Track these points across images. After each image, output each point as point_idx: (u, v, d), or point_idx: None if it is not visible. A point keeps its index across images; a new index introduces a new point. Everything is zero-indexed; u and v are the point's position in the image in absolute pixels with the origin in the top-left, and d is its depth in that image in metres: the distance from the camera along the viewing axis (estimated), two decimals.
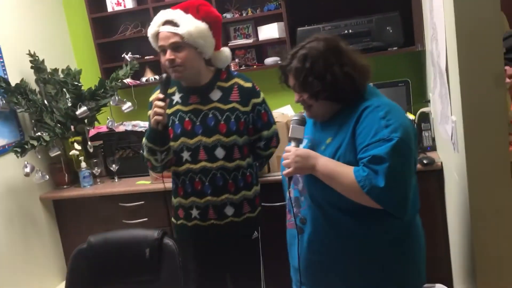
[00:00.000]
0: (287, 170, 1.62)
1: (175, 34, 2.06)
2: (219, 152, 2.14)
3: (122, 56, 3.30)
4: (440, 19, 1.86)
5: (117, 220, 2.97)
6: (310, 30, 2.82)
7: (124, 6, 3.22)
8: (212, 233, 2.22)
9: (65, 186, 3.14)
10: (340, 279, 1.67)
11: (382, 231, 1.61)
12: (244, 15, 3.08)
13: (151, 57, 3.30)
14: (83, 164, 3.07)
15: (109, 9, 3.26)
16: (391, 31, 2.68)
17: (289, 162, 1.61)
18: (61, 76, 3.04)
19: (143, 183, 2.98)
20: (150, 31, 2.14)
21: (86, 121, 3.01)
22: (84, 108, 2.92)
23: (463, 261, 1.91)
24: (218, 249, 2.27)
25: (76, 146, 3.03)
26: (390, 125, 1.52)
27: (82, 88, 3.00)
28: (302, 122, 1.68)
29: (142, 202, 2.93)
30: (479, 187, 1.64)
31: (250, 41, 3.05)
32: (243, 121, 2.17)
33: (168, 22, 2.08)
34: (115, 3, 3.22)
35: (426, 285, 1.91)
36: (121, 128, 3.17)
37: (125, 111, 3.15)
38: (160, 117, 2.01)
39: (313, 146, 1.67)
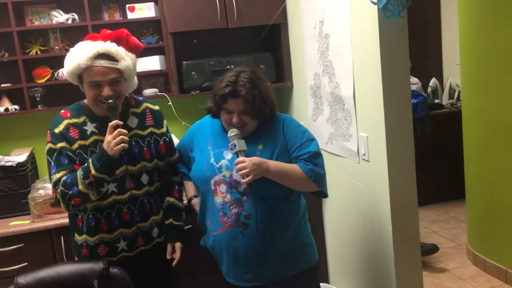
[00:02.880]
0: (248, 178, 1.86)
1: (114, 69, 1.98)
2: (144, 178, 2.13)
3: None
4: (346, 60, 2.36)
5: None
6: (196, 64, 3.04)
7: None
8: (140, 260, 2.16)
9: None
10: (278, 257, 2.01)
11: (299, 208, 2.10)
12: None
13: (8, 84, 2.97)
14: None
15: None
16: (264, 68, 3.10)
17: (249, 171, 1.85)
18: None
19: (20, 223, 2.64)
20: (78, 62, 1.95)
21: None
22: None
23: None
24: (145, 275, 2.21)
25: None
26: (306, 131, 2.09)
27: None
28: (240, 136, 1.95)
29: (21, 244, 2.60)
30: (398, 184, 2.15)
31: None
32: (162, 143, 2.19)
33: (103, 56, 1.97)
34: None
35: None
36: None
37: None
38: (126, 146, 1.91)
39: (246, 154, 1.93)
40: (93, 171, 1.91)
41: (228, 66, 3.06)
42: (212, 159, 2.03)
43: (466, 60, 3.61)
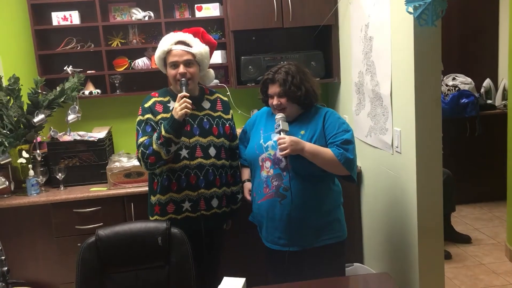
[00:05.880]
0: (284, 152, 2.23)
1: (189, 52, 2.48)
2: (212, 151, 2.54)
3: (64, 68, 3.40)
4: (386, 61, 2.63)
5: (70, 226, 3.06)
6: (252, 59, 3.40)
7: (71, 22, 3.35)
8: (200, 222, 2.55)
9: (5, 195, 3.07)
10: (310, 228, 2.35)
11: (333, 190, 2.44)
12: None
13: (93, 71, 3.46)
14: (31, 172, 3.06)
15: (54, 23, 3.35)
16: (315, 65, 3.41)
17: (286, 146, 2.23)
18: (8, 83, 3.03)
19: (99, 190, 3.12)
20: (162, 48, 2.48)
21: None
22: (42, 116, 2.98)
23: (377, 243, 2.65)
24: (201, 236, 2.57)
25: (25, 154, 3.03)
26: (344, 123, 2.40)
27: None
28: (286, 118, 2.36)
29: (99, 207, 3.08)
30: (425, 176, 2.41)
31: None
32: (228, 126, 2.63)
33: (181, 42, 2.49)
34: (62, 18, 3.33)
35: (346, 264, 2.65)
36: (66, 138, 3.24)
37: (70, 121, 3.25)
38: (189, 111, 2.35)
39: (290, 135, 2.30)
40: (163, 132, 2.36)
41: (282, 62, 3.38)
42: (261, 140, 2.42)
43: None
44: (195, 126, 2.52)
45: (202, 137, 2.52)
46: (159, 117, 2.50)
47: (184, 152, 2.50)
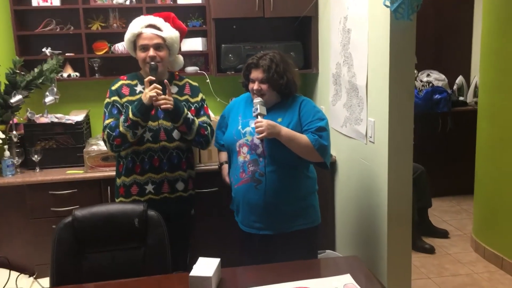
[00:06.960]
0: (261, 135, 2.29)
1: (159, 36, 2.49)
2: (176, 134, 2.56)
3: (43, 50, 3.38)
4: (362, 53, 2.70)
5: (46, 208, 3.06)
6: (233, 47, 3.43)
7: (51, 3, 3.32)
8: (164, 205, 2.56)
9: None
10: (285, 213, 2.42)
11: (309, 178, 2.51)
12: None
13: (72, 54, 3.44)
14: (7, 153, 3.05)
15: (34, 4, 3.31)
16: (294, 55, 3.46)
17: (263, 129, 2.28)
18: None
19: (75, 172, 3.12)
20: (133, 30, 2.50)
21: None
22: (19, 97, 2.96)
23: (350, 229, 2.74)
24: (168, 219, 2.53)
25: (0, 134, 3.01)
26: (320, 111, 2.48)
27: None
28: (264, 103, 2.41)
29: (75, 190, 3.08)
30: (395, 165, 2.50)
31: None
32: (193, 109, 2.63)
33: (151, 26, 2.51)
34: None
35: (319, 251, 2.75)
36: (44, 120, 3.23)
37: (48, 103, 3.24)
38: (155, 95, 2.34)
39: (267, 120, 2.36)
40: (130, 115, 2.38)
41: (261, 51, 3.43)
42: (240, 126, 2.48)
43: (485, 60, 3.83)
44: (159, 109, 2.49)
45: (166, 120, 2.53)
46: (124, 99, 2.52)
47: (148, 135, 2.52)
